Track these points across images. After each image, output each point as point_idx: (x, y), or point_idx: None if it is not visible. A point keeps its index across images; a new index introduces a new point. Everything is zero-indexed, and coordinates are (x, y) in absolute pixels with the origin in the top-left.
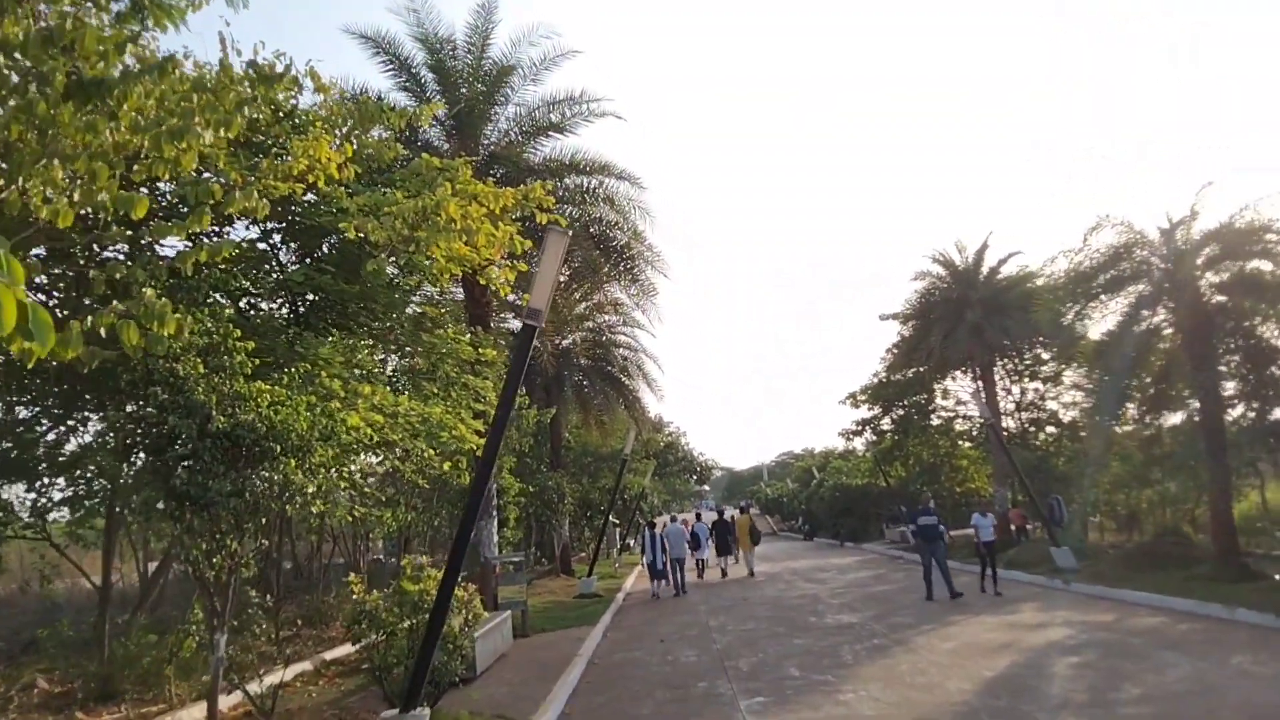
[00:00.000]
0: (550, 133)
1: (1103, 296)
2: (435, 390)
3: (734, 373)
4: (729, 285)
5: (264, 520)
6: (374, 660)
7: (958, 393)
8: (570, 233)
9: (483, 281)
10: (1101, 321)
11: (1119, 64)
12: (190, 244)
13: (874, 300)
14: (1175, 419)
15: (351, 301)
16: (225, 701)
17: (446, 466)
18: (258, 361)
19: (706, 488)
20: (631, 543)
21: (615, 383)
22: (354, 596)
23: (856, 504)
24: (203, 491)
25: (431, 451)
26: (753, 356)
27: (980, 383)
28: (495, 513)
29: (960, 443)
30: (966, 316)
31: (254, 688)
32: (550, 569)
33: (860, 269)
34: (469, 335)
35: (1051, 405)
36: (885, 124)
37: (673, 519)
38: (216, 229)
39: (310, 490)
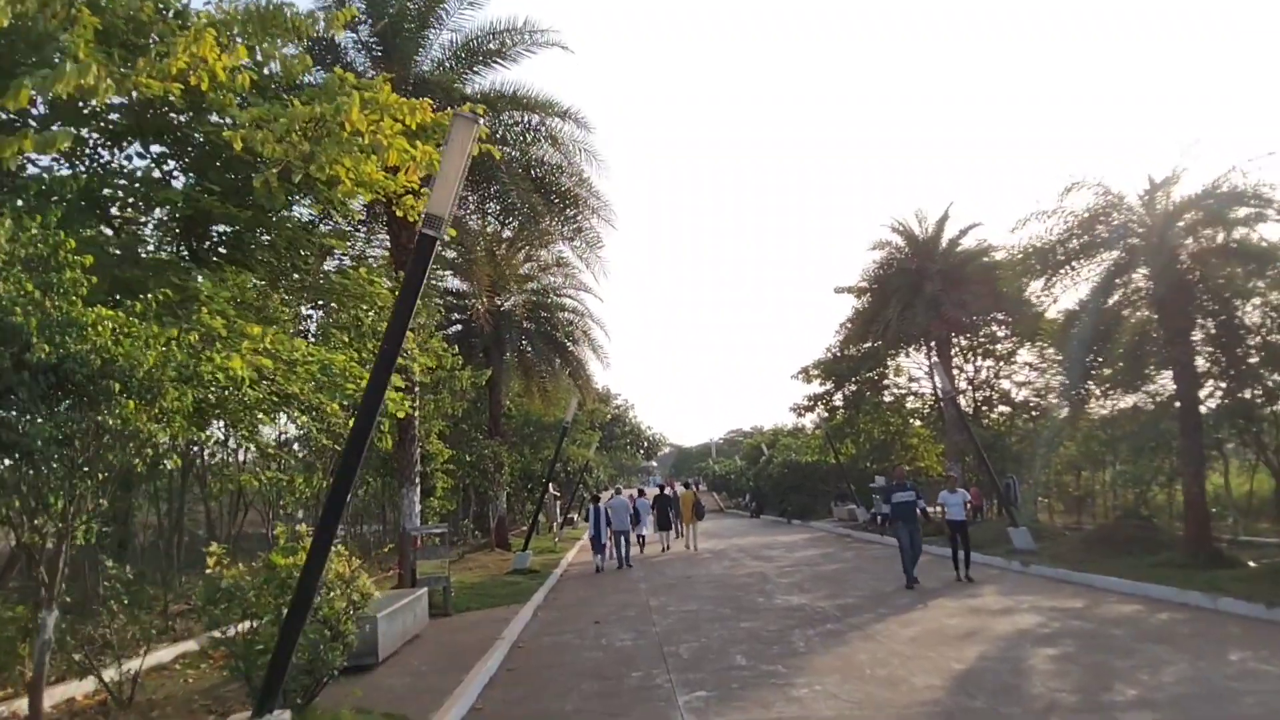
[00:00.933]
0: (490, 62)
1: (1074, 264)
2: (347, 340)
3: (683, 348)
4: (679, 258)
5: (104, 475)
6: (234, 650)
7: (910, 369)
8: (481, 119)
9: (399, 213)
10: (1071, 291)
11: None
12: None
13: (827, 276)
14: (1134, 399)
15: (247, 231)
16: (81, 688)
17: (336, 413)
18: (94, 280)
19: (654, 463)
20: (575, 517)
21: (559, 348)
22: (208, 571)
23: (805, 481)
24: (17, 436)
25: (336, 407)
26: (703, 332)
27: (937, 357)
28: (418, 480)
29: (911, 420)
30: (925, 289)
31: (111, 673)
32: (485, 543)
33: (814, 243)
34: (391, 281)
35: (1004, 384)
36: (848, 86)
37: (616, 492)
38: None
39: (163, 440)
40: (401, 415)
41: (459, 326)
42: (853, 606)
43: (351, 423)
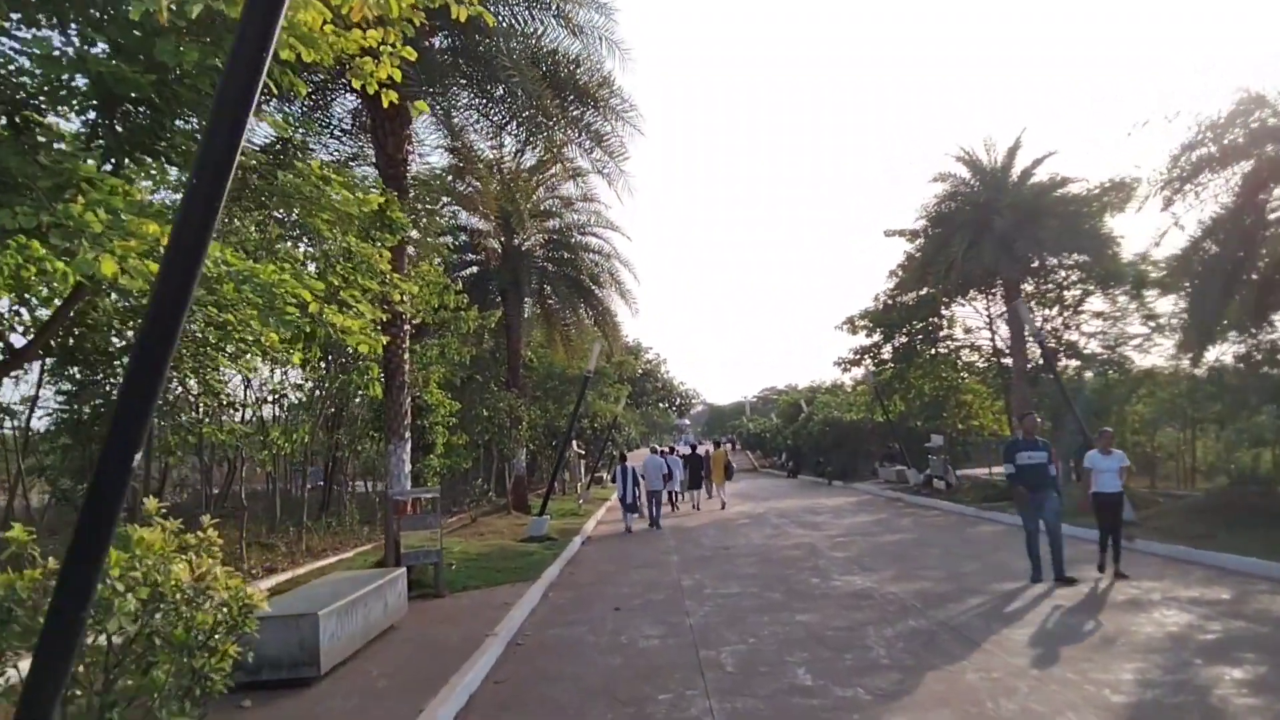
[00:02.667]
0: None
1: (1202, 179)
2: (311, 256)
3: (717, 304)
4: (713, 209)
5: None
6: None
7: (965, 319)
8: None
9: (356, 84)
10: (1194, 211)
11: None
12: None
13: (872, 225)
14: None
15: (168, 116)
16: None
17: (296, 359)
18: None
19: (686, 421)
20: (605, 476)
21: (584, 292)
22: None
23: (847, 440)
24: None
25: (274, 337)
26: (737, 287)
27: (1005, 302)
28: (408, 435)
29: (963, 375)
30: (994, 224)
31: None
32: (500, 505)
33: (857, 189)
34: (359, 182)
35: (1070, 336)
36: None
37: (653, 450)
38: None
39: None
40: (366, 349)
41: (474, 269)
42: (933, 594)
43: (296, 358)
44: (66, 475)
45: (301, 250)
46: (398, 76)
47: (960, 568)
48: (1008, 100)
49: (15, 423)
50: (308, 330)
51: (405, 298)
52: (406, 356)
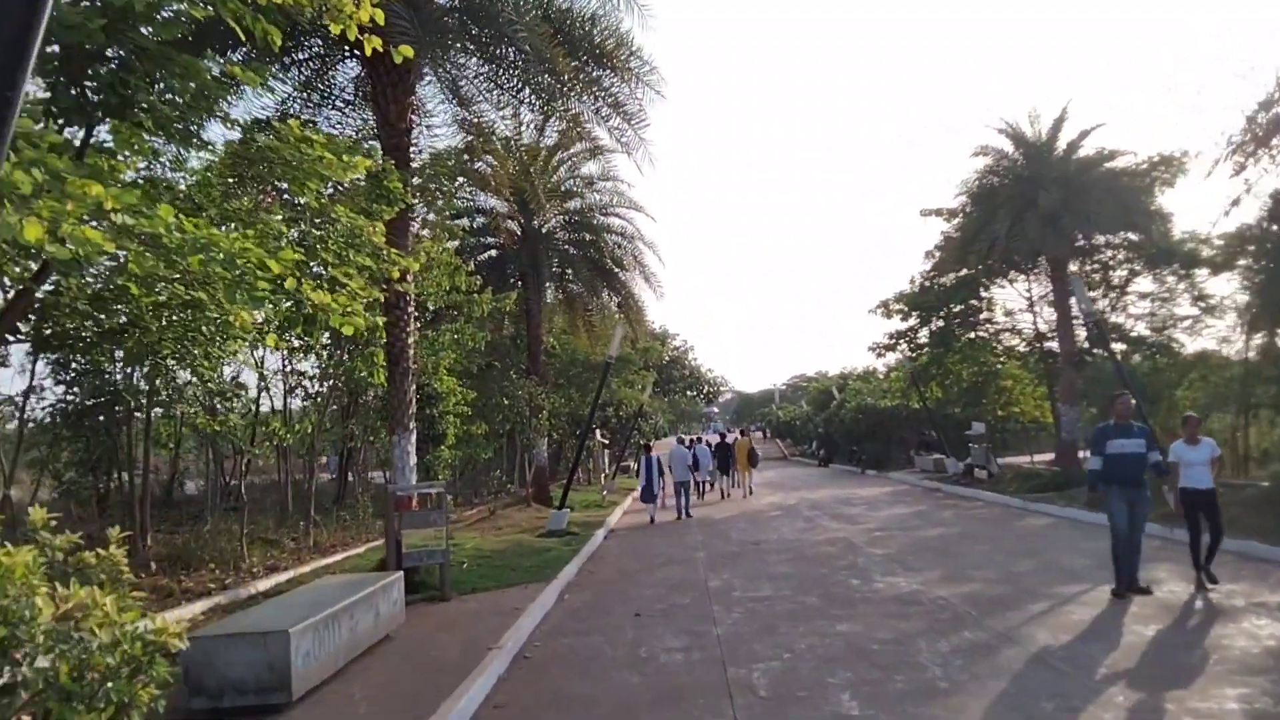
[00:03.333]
0: None
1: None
2: (297, 228)
3: (745, 291)
4: (740, 190)
5: None
6: None
7: (1005, 302)
8: None
9: (335, 29)
10: (1273, 175)
11: None
12: None
13: (904, 209)
14: None
15: (135, 75)
16: None
17: (270, 341)
18: None
19: (714, 409)
20: (633, 465)
21: (606, 275)
22: None
23: (881, 428)
24: None
25: (246, 317)
26: (766, 274)
27: (1051, 282)
28: (413, 425)
29: (1002, 360)
30: (1040, 200)
31: None
32: (521, 497)
33: (888, 171)
34: (353, 145)
35: (1116, 318)
36: None
37: (679, 441)
38: None
39: None
40: (350, 331)
41: (493, 252)
42: (988, 600)
43: (271, 342)
44: (71, 468)
45: (285, 222)
46: (380, 18)
47: (1013, 567)
48: (1048, 69)
49: (12, 411)
50: (288, 307)
51: (409, 277)
52: (411, 341)
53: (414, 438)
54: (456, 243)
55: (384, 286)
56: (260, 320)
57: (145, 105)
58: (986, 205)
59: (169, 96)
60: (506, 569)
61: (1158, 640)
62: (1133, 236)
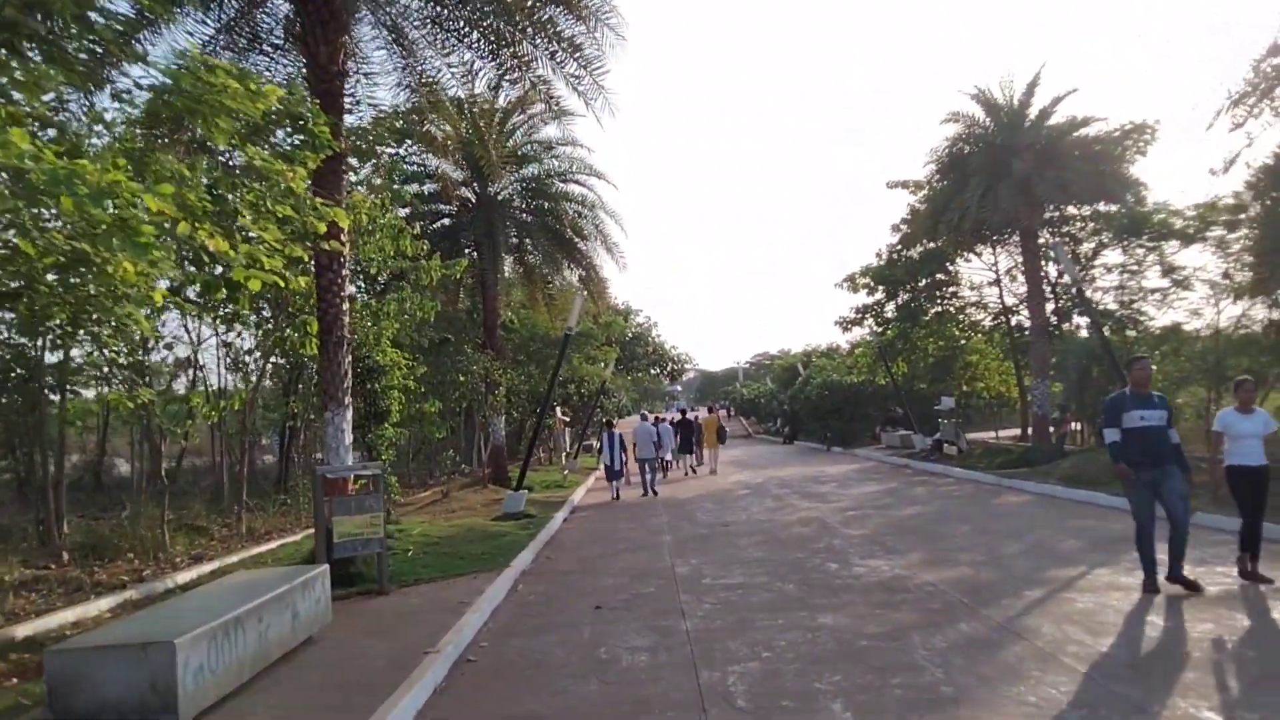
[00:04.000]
0: None
1: None
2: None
3: (707, 269)
4: (701, 165)
5: None
6: None
7: (972, 275)
8: None
9: None
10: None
11: None
12: None
13: (866, 186)
14: None
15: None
16: None
17: (157, 296)
18: None
19: (678, 387)
20: (595, 443)
21: (566, 245)
22: None
23: (847, 405)
24: None
25: (130, 268)
26: (729, 251)
27: (1022, 252)
28: (348, 400)
29: (968, 335)
30: (1013, 167)
31: None
32: (476, 479)
33: (849, 145)
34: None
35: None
36: None
37: (643, 417)
38: None
39: None
40: (256, 286)
41: (446, 220)
42: (979, 586)
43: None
44: None
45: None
46: None
47: (999, 549)
48: (1019, 35)
49: None
50: (193, 270)
51: (343, 237)
52: (345, 307)
53: (350, 414)
54: (407, 210)
55: (310, 244)
56: (165, 281)
57: (30, 35)
58: (957, 174)
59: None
60: (455, 557)
61: (1186, 636)
62: (1105, 207)
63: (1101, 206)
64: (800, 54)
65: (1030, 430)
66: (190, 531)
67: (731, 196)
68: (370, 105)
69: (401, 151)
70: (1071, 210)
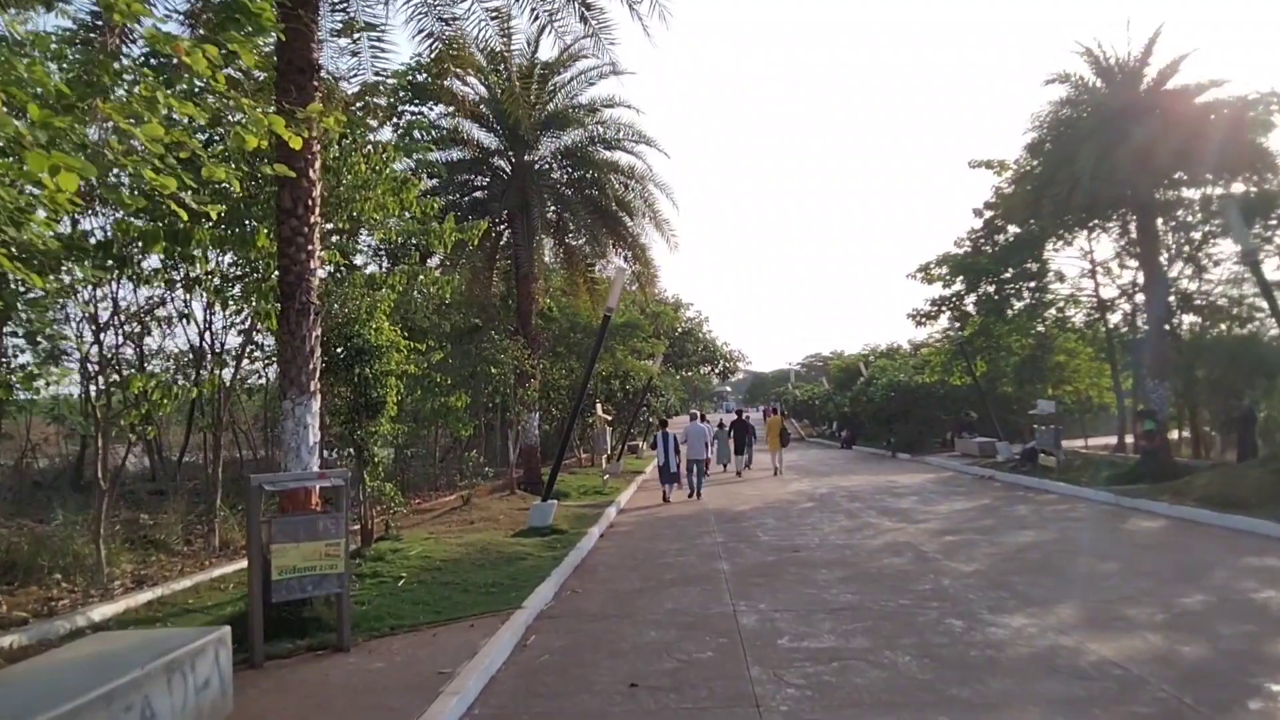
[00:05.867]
0: None
1: None
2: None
3: (760, 267)
4: (752, 160)
5: None
6: None
7: (1062, 267)
8: None
9: None
10: None
11: None
12: None
13: (925, 183)
14: None
15: None
16: None
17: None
18: None
19: (728, 388)
20: (643, 444)
21: (610, 221)
22: None
23: (915, 407)
24: None
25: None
26: (781, 249)
27: (1137, 233)
28: (315, 387)
29: (1056, 332)
30: (1133, 133)
31: None
32: (506, 482)
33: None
34: None
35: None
36: None
37: (692, 417)
38: None
39: None
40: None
41: (479, 194)
42: (1185, 667)
43: None
44: None
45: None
46: None
47: (1178, 600)
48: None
49: None
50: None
51: (314, 173)
52: (314, 266)
53: (317, 404)
54: (435, 181)
55: (242, 167)
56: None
57: None
58: (1065, 141)
59: None
60: (457, 589)
61: None
62: (1230, 188)
63: (1222, 188)
64: (861, 36)
65: (1131, 439)
66: (148, 546)
67: (784, 194)
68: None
69: (430, 115)
70: (1185, 193)
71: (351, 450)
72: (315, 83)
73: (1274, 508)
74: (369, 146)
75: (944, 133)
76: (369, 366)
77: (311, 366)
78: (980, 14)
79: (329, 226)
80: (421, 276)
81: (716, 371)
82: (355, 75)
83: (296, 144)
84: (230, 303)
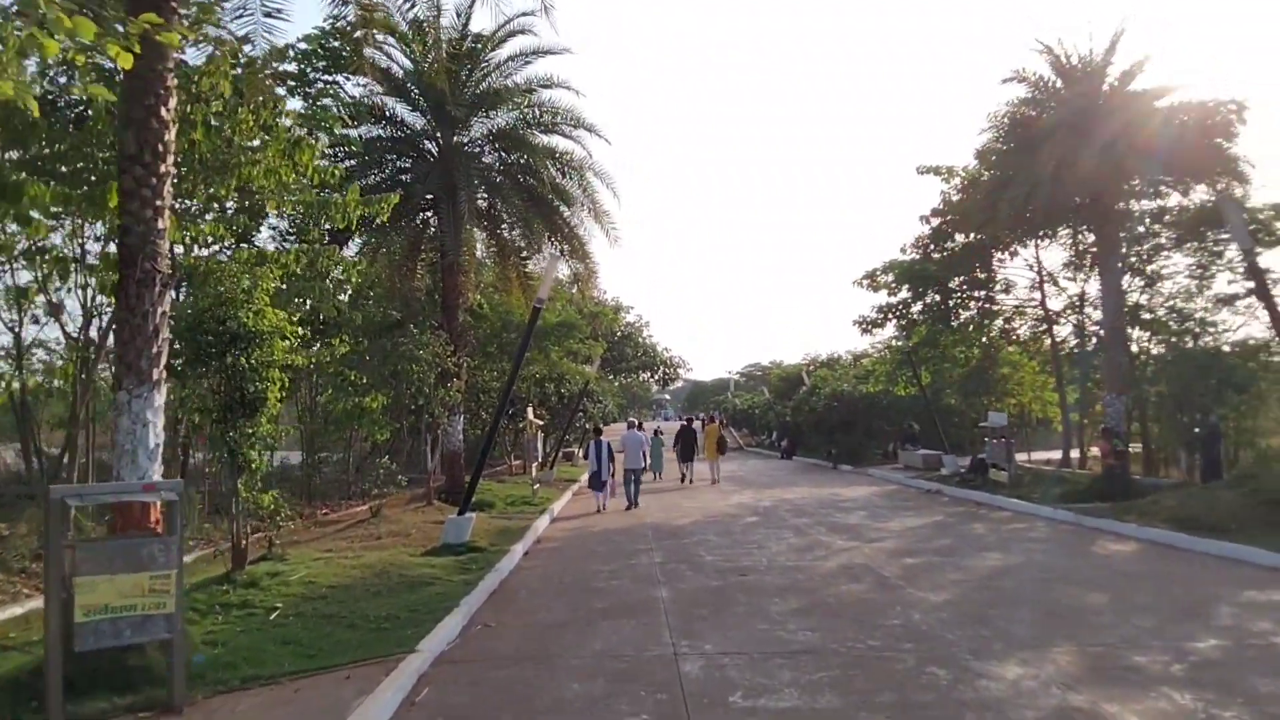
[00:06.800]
0: None
1: None
2: None
3: (699, 277)
4: (689, 170)
5: None
6: None
7: (1008, 277)
8: None
9: None
10: None
11: None
12: None
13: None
14: None
15: None
16: None
17: None
18: None
19: (667, 396)
20: (578, 450)
21: (545, 210)
22: None
23: (858, 418)
24: None
25: None
26: (719, 260)
27: (1096, 243)
28: (159, 376)
29: (1002, 343)
30: (1094, 134)
31: None
32: (422, 492)
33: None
34: None
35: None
36: None
37: (630, 425)
38: None
39: None
40: None
41: (404, 178)
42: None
43: None
44: None
45: None
46: None
47: (1190, 644)
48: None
49: None
50: None
51: (168, 111)
52: (163, 224)
53: (161, 397)
54: (353, 162)
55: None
56: None
57: None
58: (1024, 141)
59: None
60: (341, 624)
61: None
62: (1190, 196)
63: (1179, 195)
64: (795, 50)
65: (1077, 454)
66: None
67: (726, 201)
68: None
69: (355, 91)
70: (1143, 205)
71: (225, 453)
72: (174, 2)
73: (1256, 533)
74: (260, 98)
75: (887, 144)
76: (245, 355)
77: (155, 350)
78: (928, 21)
79: (209, 193)
80: (322, 259)
81: (656, 378)
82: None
83: (126, 62)
84: (73, 274)
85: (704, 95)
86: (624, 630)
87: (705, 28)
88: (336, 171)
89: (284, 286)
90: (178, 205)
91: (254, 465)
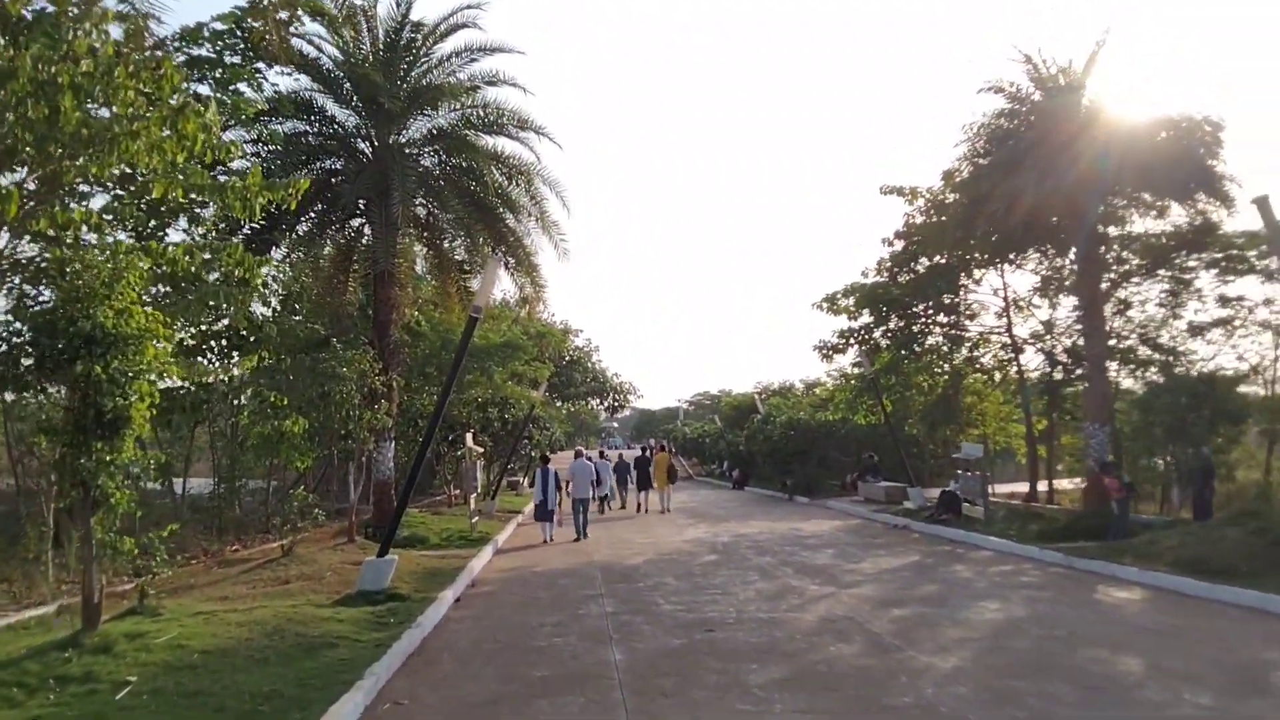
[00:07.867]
0: None
1: None
2: None
3: (650, 305)
4: (639, 197)
5: None
6: None
7: (973, 304)
8: None
9: None
10: None
11: None
12: None
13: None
14: None
15: None
16: None
17: None
18: None
19: (615, 424)
20: (523, 481)
21: (490, 218)
22: None
23: (814, 448)
24: None
25: None
26: (672, 289)
27: (1077, 262)
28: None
29: (967, 371)
30: (1077, 146)
31: None
32: (347, 527)
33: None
34: None
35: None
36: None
37: (577, 454)
38: None
39: None
40: None
41: (334, 180)
42: None
43: None
44: None
45: None
46: None
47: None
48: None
49: None
50: None
51: None
52: None
53: None
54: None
55: None
56: None
57: None
58: (1002, 156)
59: None
60: (207, 706)
61: None
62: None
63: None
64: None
65: (1050, 487)
66: None
67: (679, 228)
68: None
69: (281, 85)
70: (1128, 226)
71: (78, 485)
72: None
73: (1271, 577)
74: (137, 57)
75: (847, 167)
76: (101, 364)
77: None
78: (888, 42)
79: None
80: (223, 257)
81: (605, 405)
82: None
83: None
84: None
85: (655, 111)
86: (568, 711)
87: (659, 42)
88: (232, 149)
89: (170, 288)
90: (31, 184)
91: (113, 500)
